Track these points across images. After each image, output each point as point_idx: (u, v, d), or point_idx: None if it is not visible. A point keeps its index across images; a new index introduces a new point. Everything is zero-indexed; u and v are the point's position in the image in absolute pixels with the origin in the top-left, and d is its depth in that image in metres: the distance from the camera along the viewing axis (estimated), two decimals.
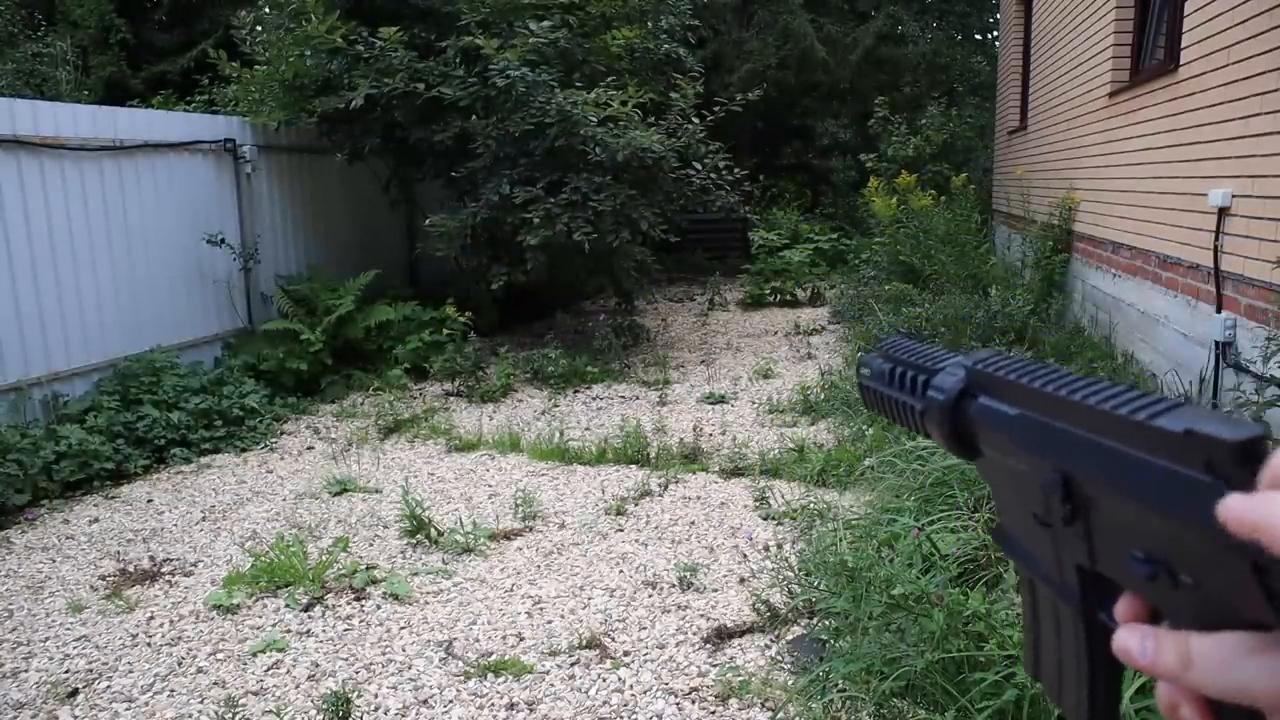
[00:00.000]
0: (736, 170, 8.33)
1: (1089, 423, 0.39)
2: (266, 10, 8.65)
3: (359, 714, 2.87)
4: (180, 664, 3.21)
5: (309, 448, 5.78)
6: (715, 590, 3.61)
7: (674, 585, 3.66)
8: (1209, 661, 0.33)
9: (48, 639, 3.42)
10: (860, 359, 0.62)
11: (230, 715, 2.78)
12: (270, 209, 7.72)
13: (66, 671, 3.19)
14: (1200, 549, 0.33)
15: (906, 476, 3.91)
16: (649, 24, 8.40)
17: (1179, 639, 0.34)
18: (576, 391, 6.94)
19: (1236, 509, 0.31)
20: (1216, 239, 4.53)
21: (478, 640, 3.30)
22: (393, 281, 8.79)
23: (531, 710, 2.86)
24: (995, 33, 16.89)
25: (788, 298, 10.80)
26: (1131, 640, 0.36)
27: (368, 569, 3.87)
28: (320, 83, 7.51)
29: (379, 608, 3.57)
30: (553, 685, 2.99)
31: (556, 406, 6.56)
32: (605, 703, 2.89)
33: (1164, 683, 0.36)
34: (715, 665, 3.07)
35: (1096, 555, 0.41)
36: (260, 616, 3.54)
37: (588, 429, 5.92)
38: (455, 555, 4.03)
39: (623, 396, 6.79)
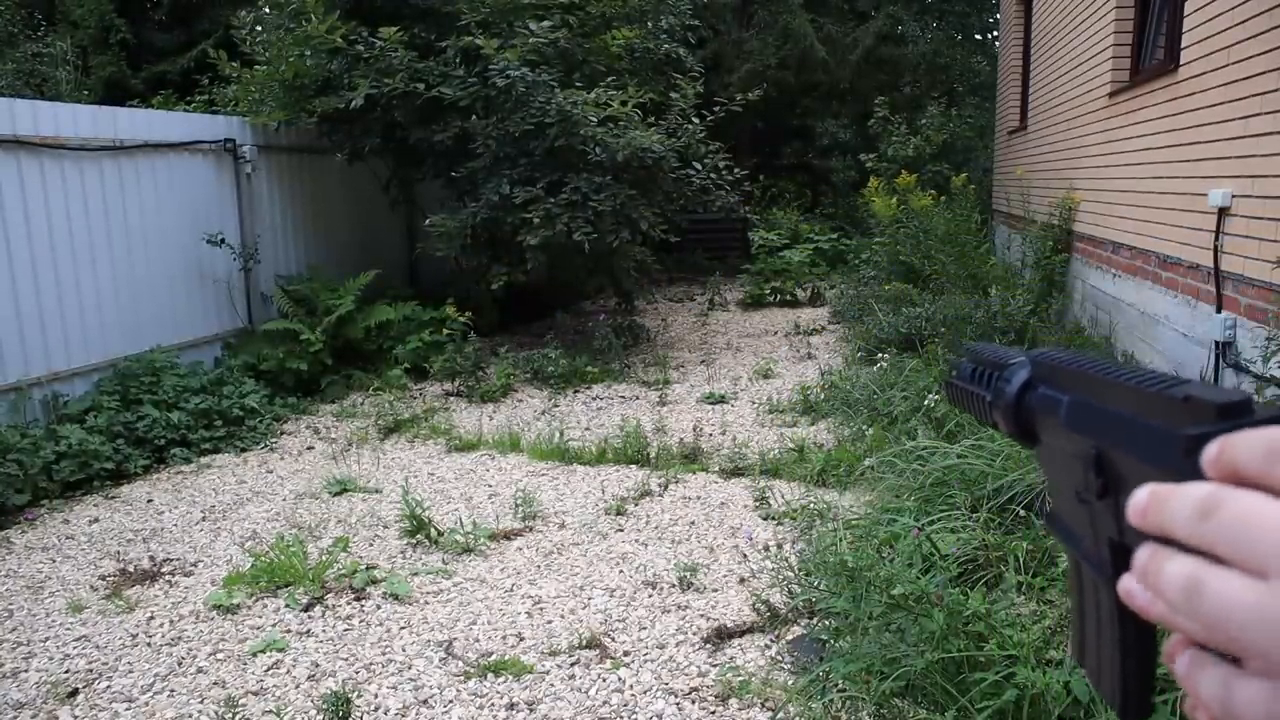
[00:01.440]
0: (736, 170, 8.33)
1: (1118, 399, 0.43)
2: (266, 10, 8.65)
3: (359, 714, 2.87)
4: (180, 664, 3.21)
5: (309, 448, 5.78)
6: (715, 590, 3.61)
7: (674, 585, 3.66)
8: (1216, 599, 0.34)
9: (48, 639, 3.42)
10: (951, 362, 0.68)
11: (230, 715, 2.78)
12: (270, 209, 7.72)
13: (66, 671, 3.19)
14: None
15: (906, 476, 3.91)
16: (649, 24, 8.40)
17: (1171, 570, 0.36)
18: (576, 391, 6.95)
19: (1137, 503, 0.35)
20: (1216, 239, 4.53)
21: (478, 640, 3.30)
22: (393, 281, 8.79)
23: (531, 710, 2.86)
24: (995, 33, 16.89)
25: (788, 298, 10.80)
26: (1132, 581, 0.38)
27: (368, 569, 3.87)
28: (320, 83, 7.51)
29: (379, 608, 3.57)
30: (553, 685, 2.99)
31: (556, 406, 6.56)
32: (605, 703, 2.89)
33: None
34: (715, 665, 3.07)
35: (1125, 527, 0.44)
36: (260, 616, 3.54)
37: (588, 429, 5.92)
38: (455, 555, 4.03)
39: (623, 396, 6.79)
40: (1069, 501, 0.50)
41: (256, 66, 7.87)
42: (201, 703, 2.97)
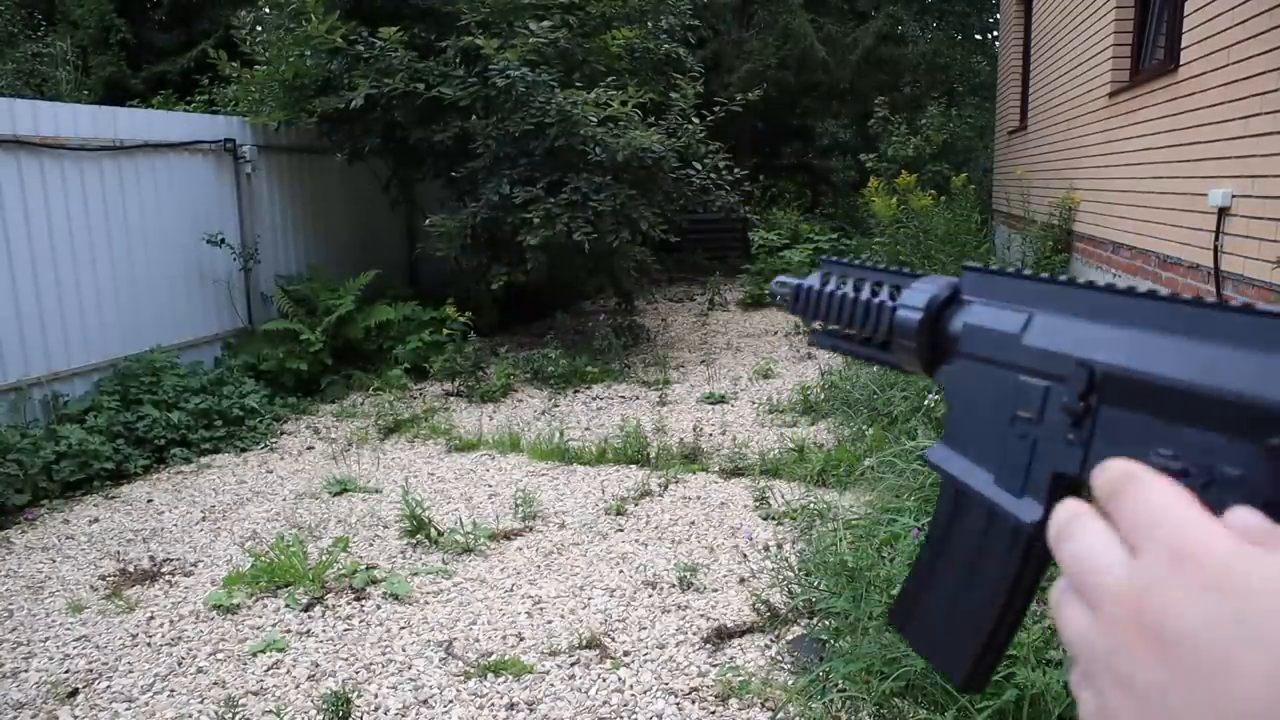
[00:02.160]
0: (736, 170, 8.33)
1: (1131, 315, 0.38)
2: (266, 10, 8.65)
3: (359, 714, 2.87)
4: (180, 664, 3.21)
5: (309, 448, 5.78)
6: (715, 590, 3.60)
7: (674, 585, 3.66)
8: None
9: (48, 639, 3.42)
10: (778, 280, 0.63)
11: (230, 715, 2.78)
12: (270, 209, 7.72)
13: (66, 671, 3.19)
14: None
15: (906, 476, 3.91)
16: (649, 24, 8.40)
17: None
18: (576, 391, 6.94)
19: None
20: (1216, 239, 4.53)
21: (478, 640, 3.30)
22: (393, 281, 8.78)
23: (531, 710, 2.86)
24: (995, 33, 16.89)
25: None
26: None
27: (368, 569, 3.87)
28: (320, 83, 7.51)
29: (379, 608, 3.57)
30: (553, 685, 2.99)
31: (556, 406, 6.56)
32: (605, 703, 2.89)
33: None
34: (715, 665, 3.07)
35: (1092, 459, 0.39)
36: (260, 616, 3.54)
37: (588, 429, 5.92)
38: (455, 555, 4.03)
39: (623, 396, 6.79)
40: (990, 431, 0.45)
41: (256, 66, 7.87)
42: (201, 703, 2.97)
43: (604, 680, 3.01)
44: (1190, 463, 0.34)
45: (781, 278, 0.64)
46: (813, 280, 0.61)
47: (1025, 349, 0.44)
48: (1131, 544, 0.31)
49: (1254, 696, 0.26)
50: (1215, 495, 0.33)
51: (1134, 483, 0.32)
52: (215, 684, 3.08)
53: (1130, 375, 0.38)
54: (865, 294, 0.57)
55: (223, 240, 6.89)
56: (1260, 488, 0.32)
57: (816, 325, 0.61)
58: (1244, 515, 0.30)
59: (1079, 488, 0.41)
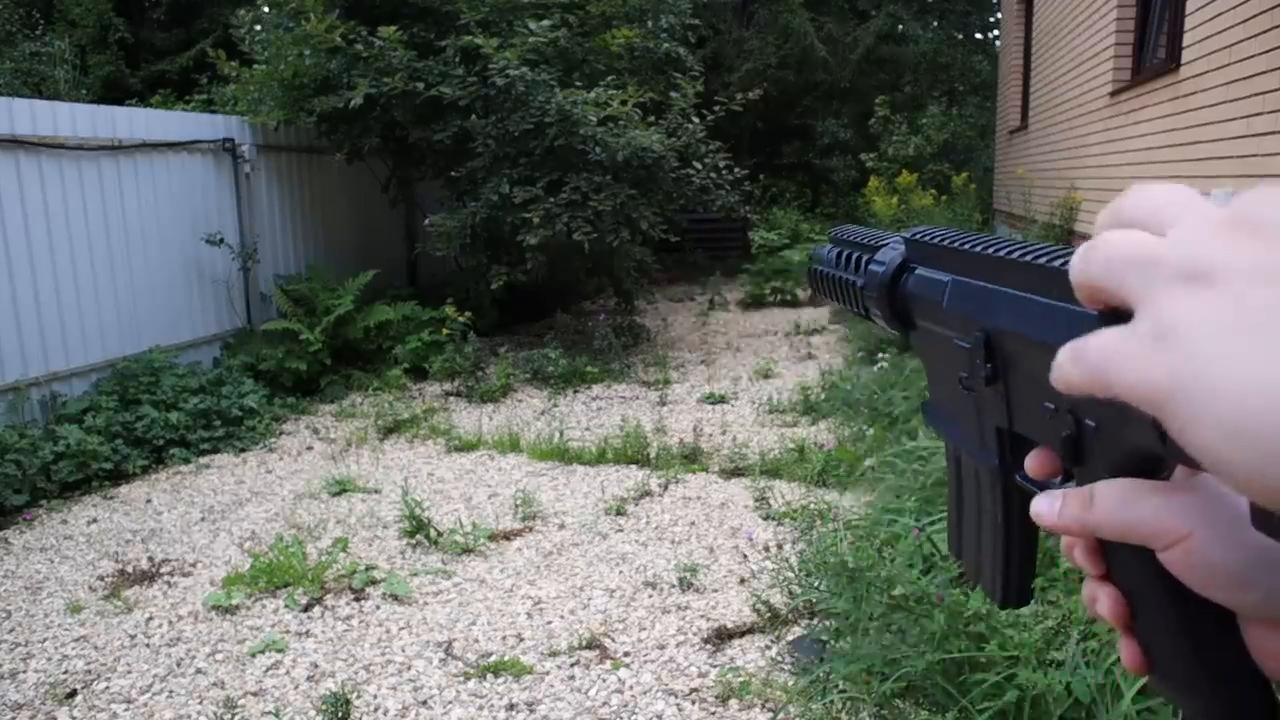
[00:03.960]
0: (736, 170, 8.32)
1: (1004, 277, 0.40)
2: (265, 9, 8.64)
3: (358, 714, 2.86)
4: (179, 665, 3.20)
5: (308, 448, 5.77)
6: (715, 591, 3.60)
7: (674, 586, 3.65)
8: (1107, 504, 0.34)
9: (46, 640, 3.41)
10: (812, 251, 0.65)
11: (229, 716, 2.77)
12: (269, 209, 7.71)
13: (65, 672, 3.18)
14: None
15: (907, 476, 3.90)
16: (649, 23, 8.39)
17: (1082, 490, 0.36)
18: (576, 391, 6.94)
19: (1063, 365, 0.32)
20: None
21: (477, 641, 3.29)
22: (392, 281, 8.78)
23: (531, 711, 2.85)
24: (996, 32, 16.89)
25: (788, 298, 10.79)
26: (1042, 502, 0.37)
27: (367, 569, 3.86)
28: (319, 82, 7.50)
29: (378, 608, 3.56)
30: (552, 686, 2.99)
31: (556, 406, 6.55)
32: (605, 703, 2.88)
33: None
34: (715, 666, 3.06)
35: (1014, 415, 0.42)
36: (259, 617, 3.53)
37: (588, 429, 5.91)
38: (455, 555, 4.02)
39: (623, 396, 6.79)
40: (951, 390, 0.48)
41: (255, 66, 7.86)
42: (200, 703, 2.96)
43: (604, 681, 3.00)
44: (1065, 412, 0.37)
45: (814, 254, 0.66)
46: (821, 255, 0.64)
47: (947, 314, 0.46)
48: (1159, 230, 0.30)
49: None
50: (1090, 444, 0.36)
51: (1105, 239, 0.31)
52: (214, 685, 3.07)
53: (1014, 336, 0.40)
54: (842, 270, 0.59)
55: (222, 240, 6.88)
56: (1122, 436, 0.34)
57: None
58: None
59: (1017, 439, 0.44)
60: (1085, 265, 0.31)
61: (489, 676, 3.05)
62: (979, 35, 17.92)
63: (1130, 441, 0.34)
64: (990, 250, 0.42)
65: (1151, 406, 0.28)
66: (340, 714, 2.79)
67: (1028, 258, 0.38)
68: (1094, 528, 0.35)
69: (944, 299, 0.46)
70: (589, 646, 3.20)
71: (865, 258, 0.56)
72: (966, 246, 0.45)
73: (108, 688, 3.08)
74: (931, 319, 0.49)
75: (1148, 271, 0.29)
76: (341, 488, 4.92)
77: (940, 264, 0.47)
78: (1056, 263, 0.36)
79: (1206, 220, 0.29)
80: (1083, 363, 0.31)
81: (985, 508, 0.49)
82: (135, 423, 5.42)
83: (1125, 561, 0.36)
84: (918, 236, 0.50)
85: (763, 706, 2.80)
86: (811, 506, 4.11)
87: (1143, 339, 0.28)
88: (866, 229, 0.59)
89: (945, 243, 0.47)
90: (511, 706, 2.88)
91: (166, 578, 3.92)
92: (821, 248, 0.63)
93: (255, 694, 3.01)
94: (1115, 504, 0.34)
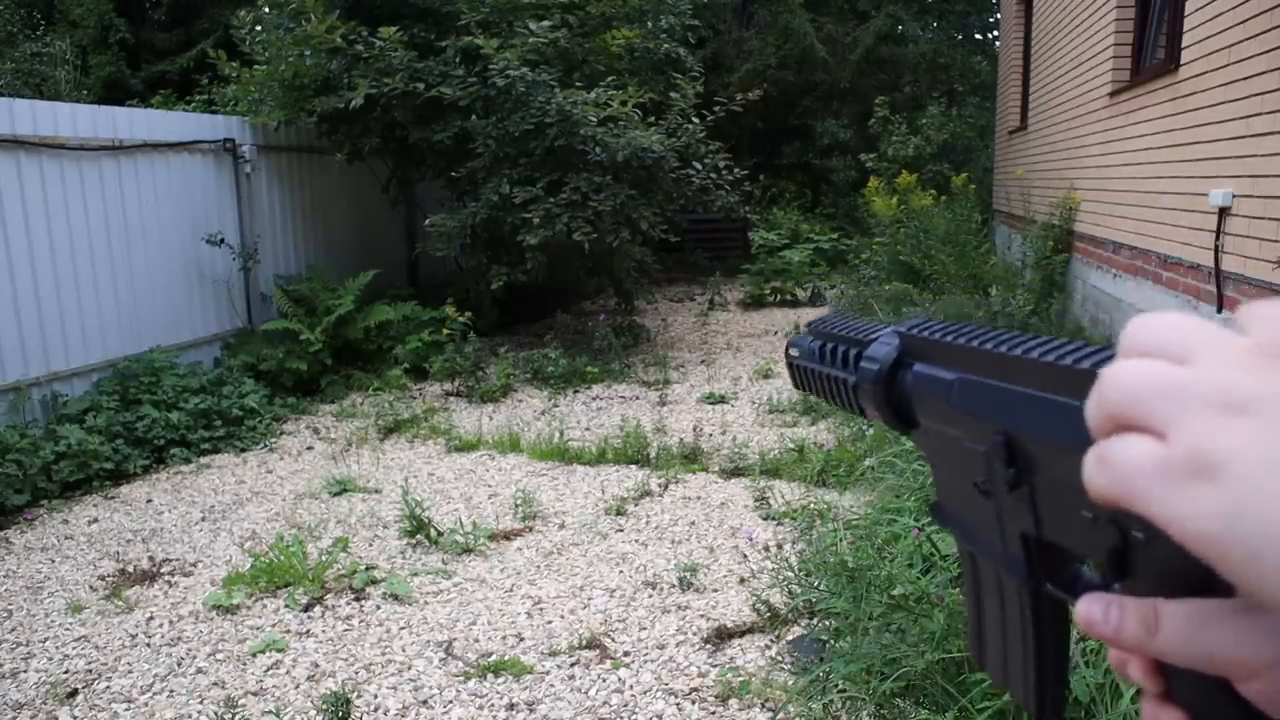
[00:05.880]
0: (736, 170, 8.33)
1: (1023, 376, 0.37)
2: (266, 10, 8.64)
3: (359, 714, 2.87)
4: (180, 664, 3.20)
5: (309, 448, 5.77)
6: (715, 590, 3.60)
7: (674, 585, 3.65)
8: (1176, 628, 0.31)
9: (47, 639, 3.42)
10: (789, 340, 0.61)
11: (230, 715, 2.78)
12: (270, 209, 7.71)
13: (66, 672, 3.18)
14: None
15: (906, 476, 3.91)
16: (649, 24, 8.39)
17: (1145, 605, 0.32)
18: (576, 391, 6.94)
19: (1090, 474, 0.30)
20: (1217, 239, 4.53)
21: (478, 640, 3.30)
22: (392, 281, 8.78)
23: (531, 710, 2.86)
24: (995, 32, 16.89)
25: (788, 298, 10.79)
26: (1095, 608, 0.33)
27: (367, 569, 3.86)
28: (320, 82, 7.50)
29: (379, 608, 3.57)
30: (553, 685, 2.99)
31: (556, 406, 6.56)
32: (605, 703, 2.88)
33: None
34: (715, 665, 3.07)
35: (1043, 521, 0.39)
36: (260, 617, 3.53)
37: (588, 429, 5.91)
38: (455, 555, 4.02)
39: (623, 396, 6.79)
40: (964, 492, 0.44)
41: (256, 66, 7.87)
42: (201, 703, 2.97)
43: (604, 680, 3.01)
44: (1106, 522, 0.34)
45: (794, 343, 0.61)
46: (802, 348, 0.59)
47: (955, 414, 0.43)
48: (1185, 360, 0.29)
49: None
50: (1138, 557, 0.33)
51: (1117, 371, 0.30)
52: (215, 684, 3.07)
53: (1039, 439, 0.37)
54: (829, 366, 0.55)
55: (222, 240, 6.89)
56: (1177, 551, 0.30)
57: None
58: None
59: (1044, 547, 0.40)
60: (1106, 395, 0.30)
61: (489, 676, 3.05)
62: (979, 35, 17.93)
63: (1187, 558, 0.30)
64: (997, 346, 0.39)
65: (1197, 545, 0.27)
66: (340, 713, 2.80)
67: (1042, 355, 0.36)
68: (1160, 654, 0.31)
69: (950, 398, 0.43)
70: (589, 646, 3.21)
71: (855, 352, 0.52)
72: (969, 341, 0.42)
73: (108, 687, 3.08)
74: (937, 419, 0.45)
75: (1178, 401, 0.28)
76: (342, 488, 4.93)
77: (941, 360, 0.44)
78: (1076, 361, 0.34)
79: (1233, 349, 0.28)
80: (1110, 473, 0.29)
81: (1010, 614, 0.45)
82: (136, 423, 5.43)
83: (1193, 684, 0.32)
84: (913, 329, 0.47)
85: (762, 706, 2.81)
86: (811, 506, 4.12)
87: (1181, 471, 0.27)
88: (850, 319, 0.56)
89: (945, 337, 0.44)
90: (512, 706, 2.88)
91: (167, 577, 3.92)
92: (801, 337, 0.59)
93: (256, 693, 3.01)
94: (1187, 630, 0.31)
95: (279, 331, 6.97)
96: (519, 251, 7.26)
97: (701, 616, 3.39)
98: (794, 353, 0.59)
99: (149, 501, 4.88)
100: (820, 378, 0.56)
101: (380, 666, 3.15)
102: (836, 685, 2.67)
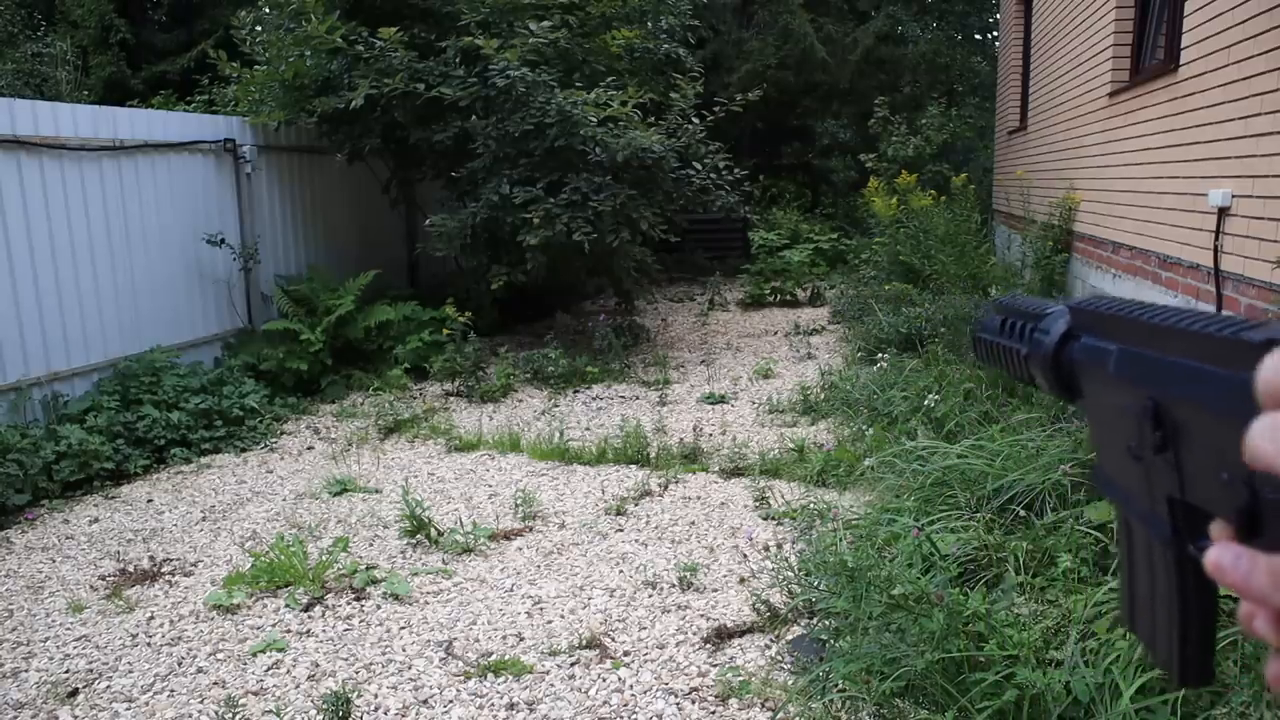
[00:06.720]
0: (736, 170, 8.33)
1: (1178, 346, 0.40)
2: (266, 10, 8.65)
3: (359, 714, 2.87)
4: (180, 664, 3.21)
5: (309, 448, 5.78)
6: (715, 590, 3.61)
7: (674, 585, 3.66)
8: None
9: (48, 639, 3.42)
10: (977, 318, 0.67)
11: (230, 715, 2.78)
12: (270, 209, 7.72)
13: (66, 671, 3.19)
14: None
15: (906, 476, 3.91)
16: (649, 24, 8.40)
17: (1275, 560, 0.34)
18: (576, 391, 6.94)
19: (1259, 442, 0.31)
20: (1217, 239, 4.53)
21: (478, 640, 3.30)
22: (393, 281, 8.79)
23: (531, 710, 2.86)
24: (995, 33, 16.89)
25: (788, 298, 10.80)
26: (1225, 556, 0.35)
27: (368, 569, 3.87)
28: (320, 83, 7.51)
29: (379, 608, 3.57)
30: (553, 685, 2.99)
31: (556, 406, 6.56)
32: (605, 703, 2.89)
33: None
34: (715, 665, 3.07)
35: (1186, 484, 0.42)
36: (260, 616, 3.54)
37: (588, 429, 5.92)
38: (455, 555, 4.03)
39: (623, 396, 6.79)
40: (1119, 457, 0.47)
41: (256, 66, 7.87)
42: (201, 703, 2.97)
43: (604, 680, 3.01)
44: (1241, 483, 0.36)
45: (982, 319, 0.67)
46: (986, 323, 0.65)
47: (1113, 381, 0.46)
48: None
49: None
50: (1270, 518, 0.35)
51: None
52: (215, 684, 3.08)
53: (1187, 405, 0.40)
54: (1006, 338, 0.60)
55: (223, 240, 6.89)
56: None
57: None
58: None
59: (1188, 509, 0.43)
60: None
61: (489, 676, 3.05)
62: (978, 36, 17.93)
63: None
64: (1159, 319, 0.42)
65: None
66: (341, 713, 2.80)
67: (1202, 327, 0.38)
68: None
69: (1110, 366, 0.47)
70: (589, 646, 3.21)
71: (1030, 325, 0.57)
72: (1134, 315, 0.45)
73: (109, 687, 3.09)
74: (1098, 386, 0.49)
75: None
76: (342, 487, 4.93)
77: (1106, 332, 0.48)
78: (1235, 334, 0.36)
79: None
80: None
81: (1159, 578, 0.48)
82: (136, 422, 5.43)
83: None
84: (1083, 305, 0.52)
85: (762, 706, 2.81)
86: (811, 506, 4.12)
87: None
88: (1032, 298, 0.60)
89: (1111, 311, 0.48)
90: (512, 706, 2.89)
91: (168, 577, 3.93)
92: (988, 317, 0.65)
93: (256, 693, 3.02)
94: None
95: (279, 331, 6.98)
96: (519, 251, 7.26)
97: (701, 616, 3.40)
98: (979, 329, 0.65)
99: (149, 501, 4.89)
100: (997, 349, 0.61)
101: (380, 666, 3.15)
102: (836, 685, 2.68)
